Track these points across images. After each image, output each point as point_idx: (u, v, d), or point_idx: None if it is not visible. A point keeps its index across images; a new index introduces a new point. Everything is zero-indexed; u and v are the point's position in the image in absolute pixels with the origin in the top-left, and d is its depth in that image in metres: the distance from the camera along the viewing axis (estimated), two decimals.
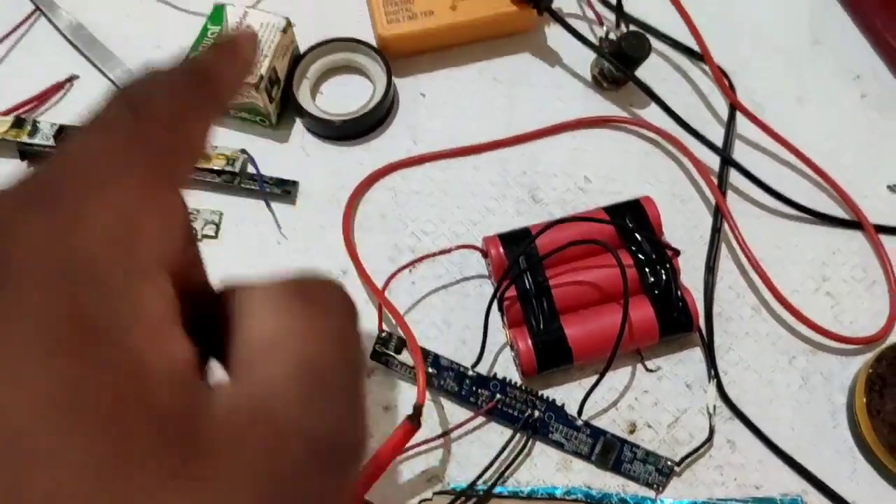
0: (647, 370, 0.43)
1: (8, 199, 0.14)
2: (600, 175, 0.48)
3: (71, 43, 0.51)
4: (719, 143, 0.47)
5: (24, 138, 0.47)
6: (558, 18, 0.47)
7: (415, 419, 0.36)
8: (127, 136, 0.15)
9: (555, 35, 0.51)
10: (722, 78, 0.48)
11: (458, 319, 0.43)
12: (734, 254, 0.45)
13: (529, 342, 0.40)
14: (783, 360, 0.43)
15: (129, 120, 0.15)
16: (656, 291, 0.42)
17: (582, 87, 0.50)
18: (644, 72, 0.49)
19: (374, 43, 0.49)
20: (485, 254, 0.43)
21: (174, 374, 0.13)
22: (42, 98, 0.49)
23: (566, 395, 0.41)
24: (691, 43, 0.50)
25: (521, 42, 0.51)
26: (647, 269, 0.42)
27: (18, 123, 0.47)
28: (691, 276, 0.44)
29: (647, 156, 0.48)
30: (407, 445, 0.38)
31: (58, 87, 0.50)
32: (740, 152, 0.48)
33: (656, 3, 0.50)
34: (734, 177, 0.47)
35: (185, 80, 0.17)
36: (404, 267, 0.43)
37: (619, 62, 0.47)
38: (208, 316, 0.16)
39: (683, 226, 0.46)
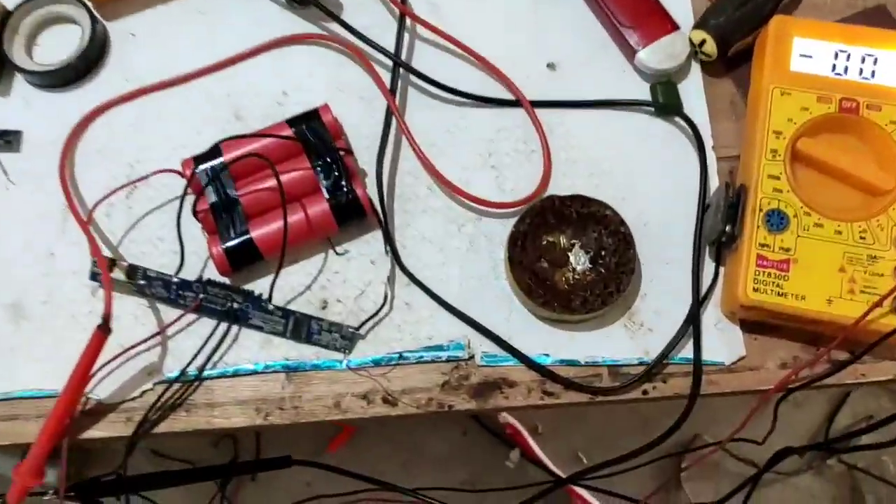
0: (337, 254, 0.49)
1: None
2: (296, 89, 0.53)
3: None
4: (393, 46, 0.53)
5: None
6: None
7: (104, 327, 0.43)
8: None
9: None
10: None
11: (169, 235, 0.49)
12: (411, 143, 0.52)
13: (220, 247, 0.47)
14: (453, 229, 0.50)
15: None
16: (330, 188, 0.48)
17: (278, 10, 0.55)
18: None
19: None
20: (182, 174, 0.49)
21: None
22: None
23: (265, 285, 0.48)
24: None
25: None
26: (321, 170, 0.48)
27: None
28: (374, 169, 0.50)
29: (338, 66, 0.54)
30: (128, 346, 0.45)
31: None
32: (418, 52, 0.54)
33: None
34: (412, 77, 0.52)
35: None
36: (103, 199, 0.49)
37: None
38: None
39: (370, 125, 0.52)
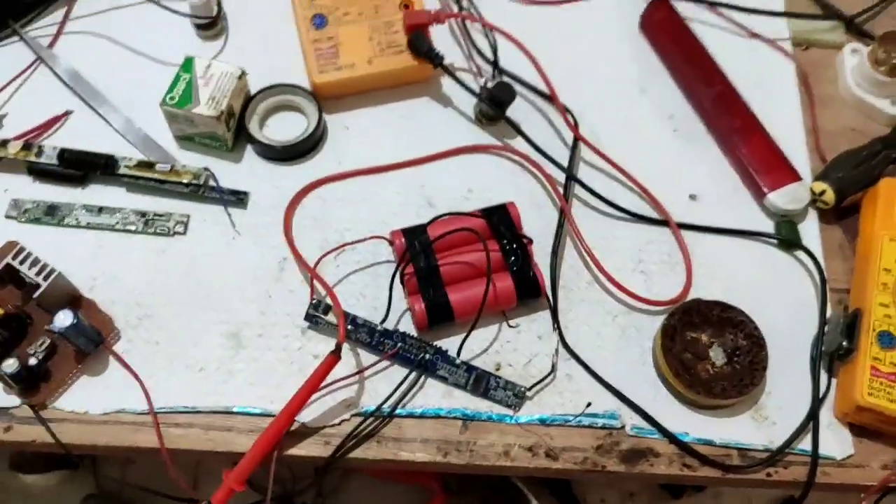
0: (510, 326, 0.58)
1: None
2: (479, 188, 0.64)
3: (66, 84, 0.65)
4: (566, 163, 0.64)
5: (32, 158, 0.60)
6: (449, 72, 0.64)
7: (336, 352, 0.51)
8: None
9: (447, 84, 0.67)
10: (567, 116, 0.64)
11: (371, 292, 0.58)
12: (575, 243, 0.62)
13: (423, 305, 0.56)
14: (608, 318, 0.59)
15: None
16: (514, 269, 0.57)
17: (466, 123, 0.66)
18: (513, 111, 0.65)
19: (308, 87, 0.64)
20: (391, 243, 0.59)
21: None
22: (44, 128, 0.63)
23: (451, 343, 0.56)
24: (546, 89, 0.67)
25: (422, 89, 0.67)
26: (508, 253, 0.58)
27: (27, 147, 0.61)
28: (543, 260, 0.60)
29: (514, 174, 0.64)
30: (333, 379, 0.53)
31: (56, 120, 0.64)
32: (582, 170, 0.65)
33: (523, 60, 0.67)
34: (576, 188, 0.63)
35: None
36: (329, 252, 0.58)
37: (493, 105, 0.63)
38: None
39: (539, 224, 0.62)
